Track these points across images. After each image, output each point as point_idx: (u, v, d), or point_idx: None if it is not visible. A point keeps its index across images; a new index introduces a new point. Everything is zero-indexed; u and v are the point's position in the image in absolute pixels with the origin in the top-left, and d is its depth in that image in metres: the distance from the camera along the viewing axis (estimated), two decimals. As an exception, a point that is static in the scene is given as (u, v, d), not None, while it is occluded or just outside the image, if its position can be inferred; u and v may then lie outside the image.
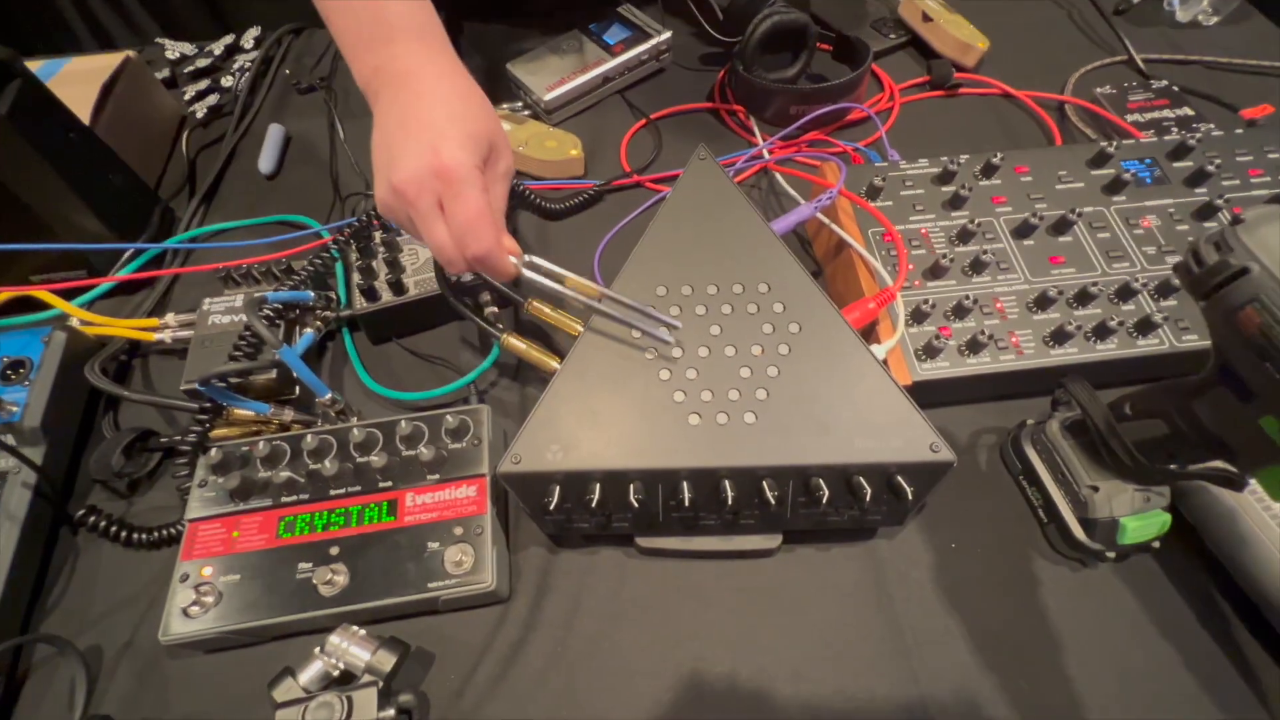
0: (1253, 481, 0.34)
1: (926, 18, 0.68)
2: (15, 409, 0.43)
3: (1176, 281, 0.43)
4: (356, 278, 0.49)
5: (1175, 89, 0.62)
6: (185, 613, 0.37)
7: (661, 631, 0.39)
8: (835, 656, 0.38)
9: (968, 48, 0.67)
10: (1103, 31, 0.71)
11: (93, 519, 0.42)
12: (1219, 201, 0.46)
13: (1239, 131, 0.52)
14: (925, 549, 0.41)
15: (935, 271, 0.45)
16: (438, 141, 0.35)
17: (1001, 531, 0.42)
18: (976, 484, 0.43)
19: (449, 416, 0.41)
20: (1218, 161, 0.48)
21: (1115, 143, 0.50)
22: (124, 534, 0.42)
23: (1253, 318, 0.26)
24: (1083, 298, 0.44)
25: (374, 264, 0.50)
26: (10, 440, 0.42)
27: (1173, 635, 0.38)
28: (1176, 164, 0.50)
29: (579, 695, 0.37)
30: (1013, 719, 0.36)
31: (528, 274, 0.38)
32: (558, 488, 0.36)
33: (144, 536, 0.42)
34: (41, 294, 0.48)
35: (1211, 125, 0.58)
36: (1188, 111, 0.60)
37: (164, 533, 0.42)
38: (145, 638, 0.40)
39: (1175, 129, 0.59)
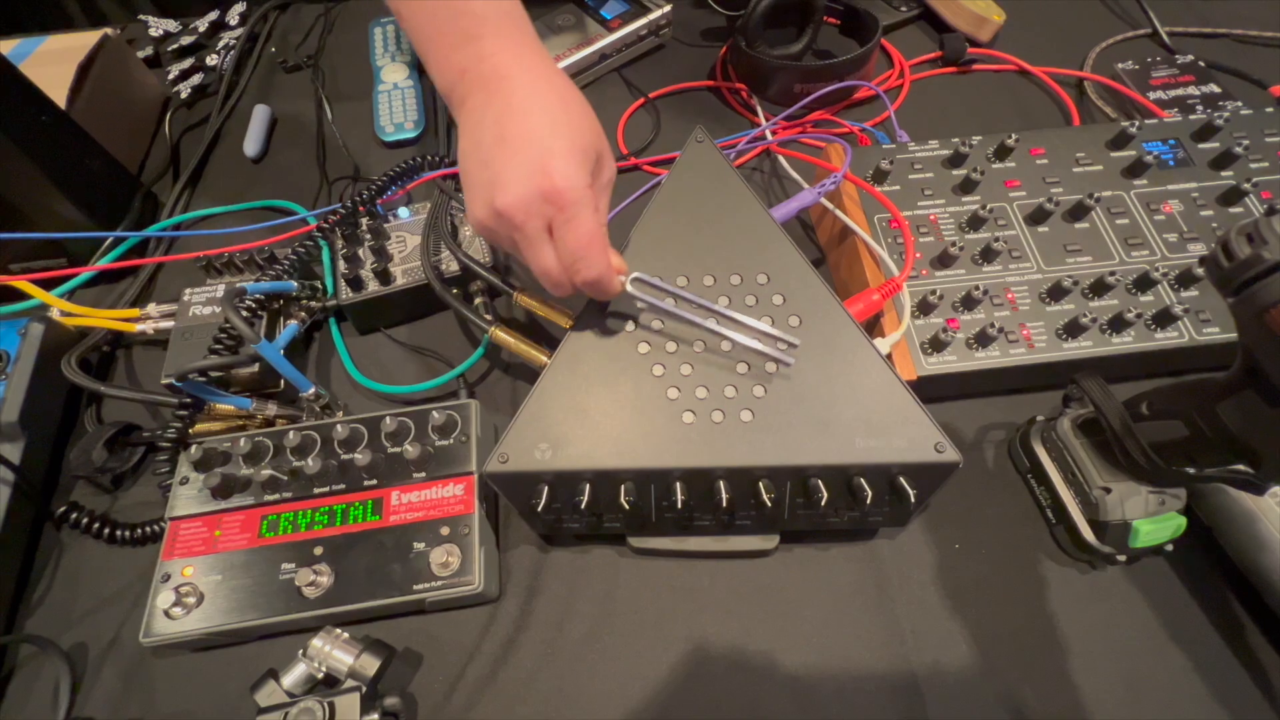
0: (1274, 485, 0.33)
1: (939, -11, 0.65)
2: (-8, 404, 0.41)
3: (1198, 271, 0.41)
4: (342, 266, 0.48)
5: (1201, 64, 0.59)
6: (167, 614, 0.36)
7: (654, 633, 0.38)
8: (834, 660, 0.37)
9: (983, 21, 0.63)
10: (1125, 3, 0.67)
11: (75, 516, 0.41)
12: (1246, 185, 0.44)
13: (1269, 110, 0.49)
14: (928, 549, 0.40)
15: (944, 260, 0.43)
16: (546, 160, 0.32)
17: (1007, 532, 0.40)
18: (982, 482, 0.42)
19: (435, 413, 0.40)
20: (1245, 142, 0.46)
21: (1137, 122, 0.47)
22: (107, 531, 0.41)
23: (1287, 317, 0.24)
24: (1099, 288, 0.41)
25: (360, 252, 0.49)
26: (-14, 436, 0.41)
27: (1184, 641, 0.36)
28: (1202, 145, 0.47)
29: (569, 697, 0.37)
30: (1016, 726, 0.35)
31: (633, 291, 0.35)
32: (546, 488, 0.35)
33: (127, 534, 0.41)
34: (19, 284, 0.47)
35: (1240, 103, 0.55)
36: (1214, 88, 0.57)
37: (147, 530, 0.41)
38: (130, 636, 0.39)
39: (1201, 107, 0.56)
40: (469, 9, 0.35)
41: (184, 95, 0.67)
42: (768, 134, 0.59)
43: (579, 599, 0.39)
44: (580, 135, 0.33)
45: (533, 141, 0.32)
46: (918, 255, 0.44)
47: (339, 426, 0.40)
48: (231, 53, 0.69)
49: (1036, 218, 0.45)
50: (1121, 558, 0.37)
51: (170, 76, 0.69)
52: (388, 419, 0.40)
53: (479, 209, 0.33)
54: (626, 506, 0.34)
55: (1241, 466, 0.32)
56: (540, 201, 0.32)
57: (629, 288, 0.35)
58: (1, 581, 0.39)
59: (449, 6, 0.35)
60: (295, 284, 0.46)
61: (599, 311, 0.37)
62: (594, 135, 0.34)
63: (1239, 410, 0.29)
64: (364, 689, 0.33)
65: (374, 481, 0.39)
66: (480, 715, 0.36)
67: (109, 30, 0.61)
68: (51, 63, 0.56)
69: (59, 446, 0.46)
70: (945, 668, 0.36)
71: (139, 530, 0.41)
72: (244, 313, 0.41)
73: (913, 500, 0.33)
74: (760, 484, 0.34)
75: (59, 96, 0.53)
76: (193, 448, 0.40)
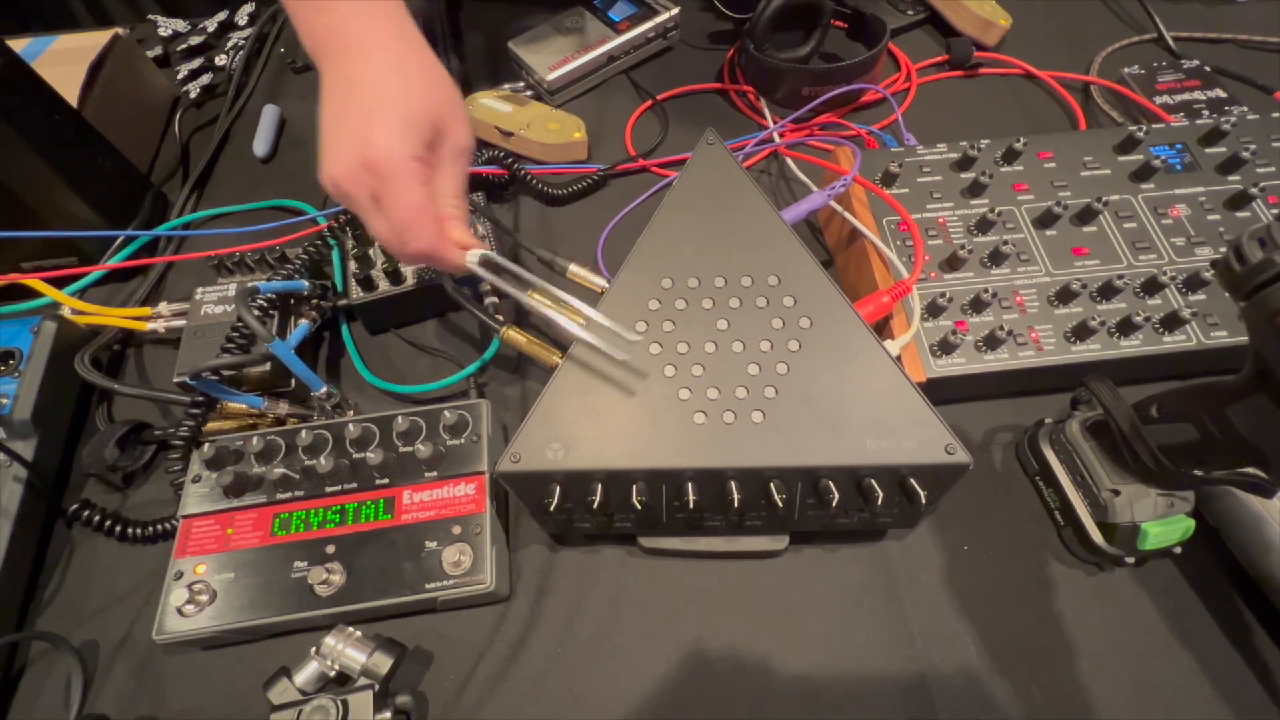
0: (1284, 488, 0.33)
1: (946, -7, 0.65)
2: (5, 401, 0.42)
3: (1207, 275, 0.41)
4: (353, 266, 0.48)
5: (1207, 69, 0.59)
6: (179, 611, 0.36)
7: (664, 632, 0.38)
8: (843, 660, 0.37)
9: (989, 25, 0.64)
10: (1131, 8, 0.68)
11: (87, 514, 0.41)
12: (1253, 190, 0.44)
13: (1275, 115, 0.49)
14: (936, 551, 0.40)
15: (953, 263, 0.44)
16: (367, 130, 0.32)
17: (1016, 534, 0.40)
18: (991, 484, 0.42)
19: (447, 412, 0.40)
20: (1252, 147, 0.46)
21: (1144, 127, 0.48)
22: (119, 529, 0.41)
23: (1299, 321, 0.24)
24: (1107, 291, 0.42)
25: (371, 252, 0.49)
26: (0, 434, 0.41)
27: (1192, 643, 0.36)
28: (1209, 149, 0.48)
29: (580, 696, 0.37)
30: (1025, 727, 0.35)
31: (481, 272, 0.35)
32: (558, 488, 0.35)
33: (139, 531, 0.41)
34: (31, 282, 0.47)
35: (1245, 108, 0.55)
36: (1220, 93, 0.57)
37: (159, 528, 0.41)
38: (141, 633, 0.39)
39: (1207, 112, 0.56)
40: None
41: (193, 95, 0.68)
42: (775, 136, 0.59)
43: (589, 599, 0.39)
44: (410, 106, 0.34)
45: (360, 113, 0.33)
46: (927, 258, 0.44)
47: (351, 425, 0.40)
48: (240, 53, 0.69)
49: (1045, 221, 0.45)
50: (1130, 560, 0.37)
51: (179, 76, 0.69)
52: (399, 418, 0.40)
53: (323, 180, 0.35)
54: (639, 506, 0.34)
55: (1251, 470, 0.32)
56: (362, 171, 0.33)
57: (474, 266, 0.35)
58: (14, 578, 0.39)
59: None
60: (307, 283, 0.46)
61: (610, 312, 0.38)
62: (430, 105, 0.34)
63: (1249, 414, 0.29)
64: (376, 687, 0.33)
65: (386, 480, 0.39)
66: (491, 714, 0.36)
67: (119, 30, 0.61)
68: (63, 62, 0.57)
69: (70, 444, 0.46)
70: (954, 668, 0.36)
71: (150, 528, 0.41)
72: (256, 312, 0.41)
73: (923, 502, 0.34)
74: (771, 484, 0.34)
75: (70, 96, 0.53)
76: (205, 446, 0.40)
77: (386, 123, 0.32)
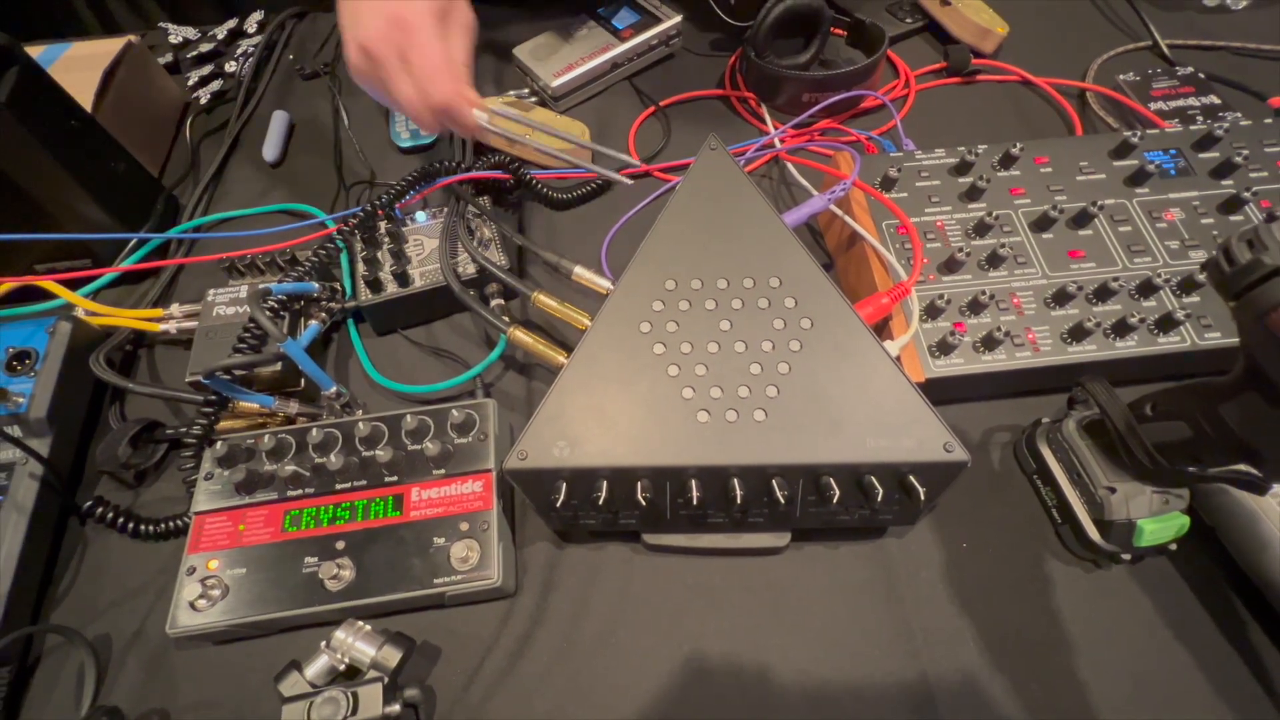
0: (1276, 486, 0.33)
1: (944, 1, 0.67)
2: (21, 400, 0.42)
3: (1200, 277, 0.42)
4: (361, 268, 0.49)
5: (1201, 76, 0.60)
6: (192, 606, 0.37)
7: (668, 628, 0.39)
8: (844, 656, 0.38)
9: (986, 33, 0.65)
10: (1126, 16, 0.69)
11: (100, 510, 0.42)
12: (1246, 194, 0.45)
13: (1268, 121, 0.50)
14: (936, 548, 0.41)
15: (951, 265, 0.44)
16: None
17: (1014, 532, 0.41)
18: (989, 483, 0.43)
19: (454, 411, 0.41)
20: (1245, 152, 0.47)
21: (1139, 133, 0.48)
22: (131, 525, 0.42)
23: (1286, 319, 0.25)
24: (1102, 293, 0.42)
25: (379, 254, 0.50)
26: (16, 432, 0.41)
27: (1188, 639, 0.37)
28: (1202, 155, 0.48)
29: (585, 691, 0.37)
30: (1023, 721, 0.35)
31: (485, 125, 0.39)
32: (564, 484, 0.35)
33: (151, 528, 0.42)
34: (46, 284, 0.48)
35: (1239, 114, 0.56)
36: (1214, 100, 0.58)
37: (171, 524, 0.42)
38: (153, 628, 0.40)
39: (1201, 118, 0.57)
40: None
41: (203, 101, 0.69)
42: (776, 142, 0.60)
43: (594, 595, 0.40)
44: None
45: None
46: (925, 260, 0.45)
47: (360, 424, 0.41)
48: (250, 60, 0.70)
49: (1041, 224, 0.46)
50: (1126, 557, 0.38)
51: (190, 82, 0.70)
52: (408, 417, 0.41)
53: (350, 50, 0.39)
54: (644, 503, 0.35)
55: (1244, 467, 0.32)
56: (390, 28, 0.37)
57: (482, 120, 0.39)
58: (29, 573, 0.40)
59: None
60: (316, 285, 0.47)
61: (615, 313, 0.38)
62: None
63: (1242, 411, 0.30)
64: (386, 680, 0.34)
65: (394, 478, 0.40)
66: (497, 708, 0.37)
67: (132, 38, 0.62)
68: (77, 69, 0.58)
69: (84, 443, 0.47)
70: (953, 663, 0.37)
71: (162, 525, 0.42)
72: (267, 313, 0.42)
73: (922, 499, 0.34)
74: (774, 482, 0.35)
75: (85, 101, 0.54)
76: (217, 444, 0.41)
77: None
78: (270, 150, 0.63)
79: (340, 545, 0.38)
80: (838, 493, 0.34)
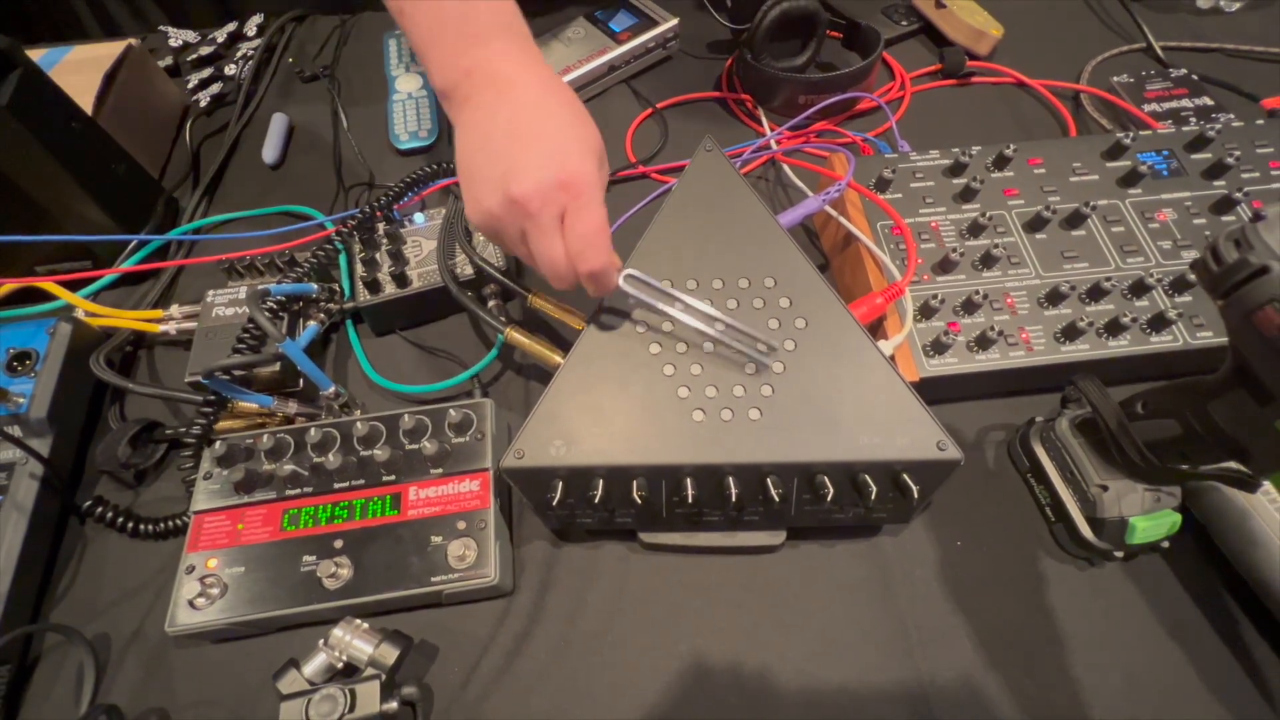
0: (1266, 483, 0.34)
1: (939, 4, 0.67)
2: (22, 400, 0.43)
3: (1192, 277, 0.42)
4: (360, 269, 0.49)
5: (1194, 78, 0.60)
6: (191, 604, 0.37)
7: (664, 626, 0.39)
8: (839, 653, 0.38)
9: (981, 35, 0.65)
10: (1120, 18, 0.69)
11: (100, 510, 0.42)
12: (1238, 195, 0.45)
13: (1260, 122, 0.50)
14: (930, 546, 0.41)
15: (945, 266, 0.45)
16: (563, 153, 0.34)
17: (1008, 530, 0.41)
18: (983, 482, 0.43)
19: (452, 411, 0.41)
20: (1237, 153, 0.47)
21: (1131, 134, 0.49)
22: (131, 525, 0.42)
23: (1272, 318, 0.25)
24: (1095, 293, 0.43)
25: (377, 256, 0.50)
26: (17, 432, 0.42)
27: (1180, 635, 0.37)
28: (1194, 156, 0.49)
29: (582, 689, 0.37)
30: (1018, 718, 0.35)
31: (626, 288, 0.36)
32: (561, 483, 0.36)
33: (150, 528, 0.42)
34: (46, 285, 0.48)
35: (1231, 115, 0.57)
36: (1207, 101, 0.58)
37: (170, 524, 0.42)
38: (152, 627, 0.40)
39: (1194, 119, 0.57)
40: (475, 12, 0.37)
41: (203, 104, 0.69)
42: (772, 143, 0.60)
43: (590, 593, 0.40)
44: (590, 135, 0.36)
45: (550, 136, 0.34)
46: (920, 261, 0.45)
47: (359, 424, 0.41)
48: (250, 63, 0.71)
49: (1035, 225, 0.46)
50: (1119, 554, 0.38)
51: (190, 85, 0.71)
52: (406, 416, 0.41)
53: (489, 198, 0.34)
54: (639, 501, 0.35)
55: (1233, 464, 0.33)
56: (557, 189, 0.33)
57: (623, 284, 0.36)
58: (29, 572, 0.40)
59: (456, 8, 0.37)
60: (315, 286, 0.47)
61: (610, 313, 0.39)
62: (598, 138, 0.36)
63: (1230, 408, 0.30)
64: (383, 678, 0.34)
65: (392, 477, 0.40)
66: (494, 706, 0.37)
67: (133, 41, 0.63)
68: (78, 71, 0.58)
69: (84, 443, 0.47)
70: (947, 661, 0.37)
71: (162, 524, 0.42)
72: (266, 313, 0.42)
73: (915, 496, 0.35)
74: (768, 480, 0.35)
75: (86, 104, 0.54)
76: (217, 443, 0.41)
77: (577, 144, 0.34)
78: (270, 152, 0.63)
79: (338, 544, 0.39)
80: (832, 491, 0.35)
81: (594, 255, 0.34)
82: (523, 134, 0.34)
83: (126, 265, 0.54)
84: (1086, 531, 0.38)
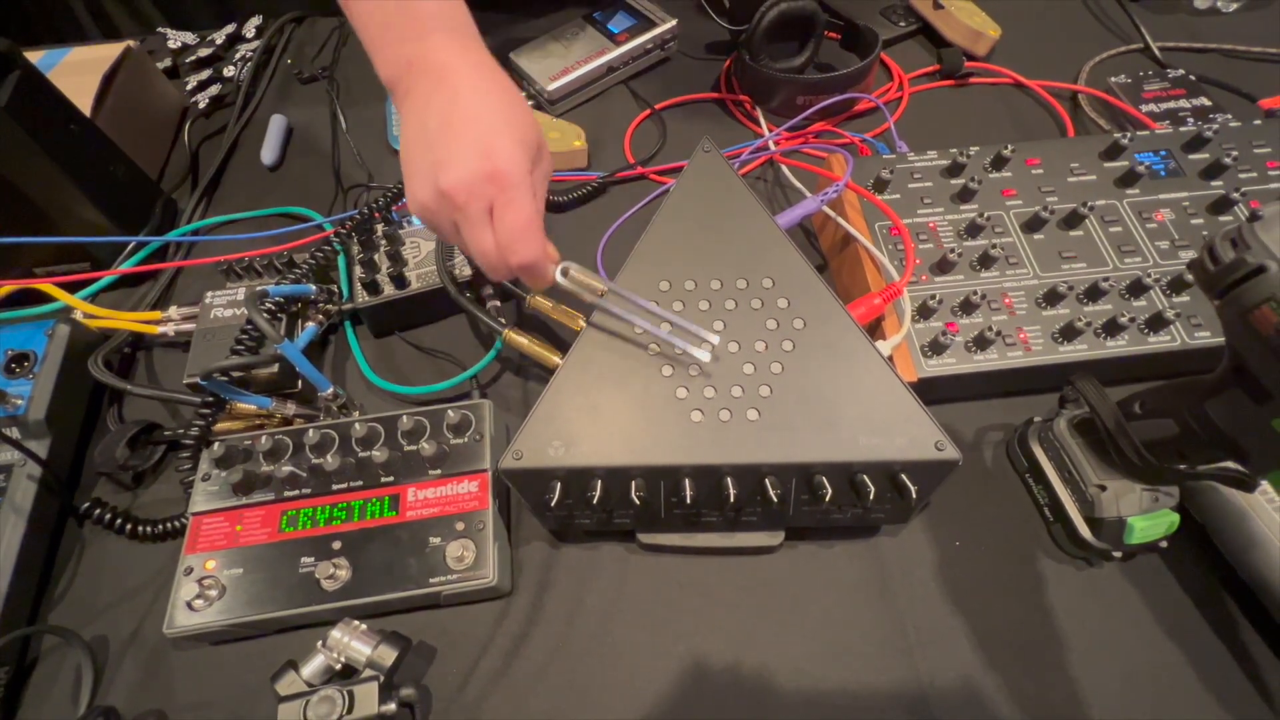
0: (1264, 482, 0.34)
1: (937, 5, 0.67)
2: (20, 402, 0.43)
3: (1190, 277, 0.42)
4: (358, 271, 0.49)
5: (1192, 78, 0.60)
6: (189, 606, 0.37)
7: (663, 627, 0.39)
8: (838, 654, 0.38)
9: (979, 36, 0.65)
10: (1118, 19, 0.69)
11: (98, 511, 0.42)
12: (1235, 195, 0.45)
13: (1257, 123, 0.50)
14: (929, 547, 0.41)
15: (943, 266, 0.45)
16: (491, 143, 0.33)
17: (1006, 530, 0.41)
18: (981, 482, 0.43)
19: (450, 412, 0.41)
20: (1235, 154, 0.47)
21: (1129, 134, 0.49)
22: (129, 527, 0.42)
23: (1269, 317, 0.25)
24: (1093, 293, 0.43)
25: (376, 257, 0.50)
26: (15, 433, 0.42)
27: (1178, 635, 0.37)
28: (1192, 156, 0.49)
29: (580, 690, 0.37)
30: (1016, 717, 0.35)
31: (563, 282, 0.36)
32: (559, 484, 0.36)
33: (148, 529, 0.42)
34: (45, 287, 0.48)
35: (1229, 116, 0.57)
36: (1205, 101, 0.58)
37: (168, 526, 0.42)
38: (151, 629, 0.40)
39: (1191, 120, 0.57)
40: (418, 8, 0.37)
41: (202, 105, 0.69)
42: (771, 144, 0.60)
43: (589, 594, 0.40)
44: (522, 126, 0.35)
45: (478, 126, 0.34)
46: (918, 261, 0.45)
47: (357, 425, 0.41)
48: (248, 64, 0.71)
49: (1032, 225, 0.46)
50: (1117, 554, 0.38)
51: (189, 87, 0.71)
52: (404, 417, 0.41)
53: (422, 190, 0.35)
54: (638, 502, 0.35)
55: (1231, 464, 0.33)
56: (483, 182, 0.33)
57: (559, 279, 0.36)
58: (27, 574, 0.40)
59: (399, 5, 0.37)
60: (314, 287, 0.47)
61: (609, 314, 0.39)
62: (534, 129, 0.36)
63: (1227, 408, 0.30)
64: (382, 679, 0.34)
65: (391, 478, 0.40)
66: (492, 707, 0.37)
67: (131, 43, 0.63)
68: (77, 73, 0.58)
69: (82, 444, 0.47)
70: (946, 661, 0.37)
71: (160, 526, 0.42)
72: (265, 314, 0.42)
73: (914, 497, 0.35)
74: (767, 480, 0.35)
75: (84, 106, 0.54)
76: (215, 445, 0.41)
77: (509, 138, 0.34)
78: (268, 153, 0.63)
79: (337, 545, 0.39)
80: (830, 491, 0.35)
81: (523, 249, 0.34)
82: (454, 124, 0.34)
83: (125, 267, 0.54)
84: (1085, 531, 0.38)
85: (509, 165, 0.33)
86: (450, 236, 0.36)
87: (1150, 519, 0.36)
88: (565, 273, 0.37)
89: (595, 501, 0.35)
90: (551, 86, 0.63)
